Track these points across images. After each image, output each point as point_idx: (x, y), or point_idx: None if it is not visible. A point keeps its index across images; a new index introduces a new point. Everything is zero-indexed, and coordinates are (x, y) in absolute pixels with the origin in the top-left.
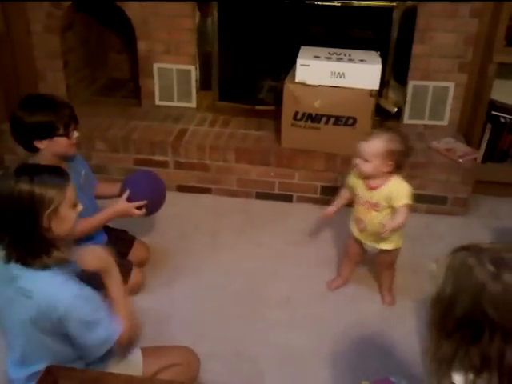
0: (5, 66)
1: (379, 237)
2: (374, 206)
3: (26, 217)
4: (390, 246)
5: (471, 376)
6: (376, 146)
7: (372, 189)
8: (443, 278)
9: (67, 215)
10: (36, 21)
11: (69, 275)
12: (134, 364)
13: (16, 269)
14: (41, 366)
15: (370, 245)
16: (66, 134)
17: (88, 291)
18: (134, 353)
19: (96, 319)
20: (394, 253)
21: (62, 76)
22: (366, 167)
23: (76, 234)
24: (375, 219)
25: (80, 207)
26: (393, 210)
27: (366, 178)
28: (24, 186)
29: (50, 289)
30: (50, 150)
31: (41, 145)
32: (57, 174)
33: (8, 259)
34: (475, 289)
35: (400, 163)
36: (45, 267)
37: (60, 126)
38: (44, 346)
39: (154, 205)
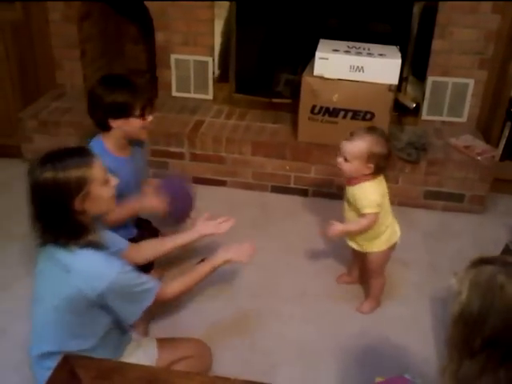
0: (23, 54)
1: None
2: (347, 202)
3: (55, 204)
4: (356, 246)
5: None
6: (358, 147)
7: (348, 184)
8: (468, 295)
9: (100, 193)
10: (54, 10)
11: (110, 254)
12: (149, 354)
13: (54, 247)
14: (52, 347)
15: (348, 243)
16: (142, 116)
17: (129, 267)
18: (150, 344)
19: (137, 292)
20: (373, 259)
21: (79, 65)
22: (346, 167)
23: (110, 219)
24: (347, 214)
25: (114, 181)
26: (358, 213)
27: (346, 176)
28: (48, 175)
29: (91, 265)
30: (122, 129)
31: (114, 124)
32: (79, 155)
33: (44, 244)
34: (508, 307)
35: (381, 166)
36: (81, 248)
37: (137, 107)
38: (66, 328)
39: (178, 217)
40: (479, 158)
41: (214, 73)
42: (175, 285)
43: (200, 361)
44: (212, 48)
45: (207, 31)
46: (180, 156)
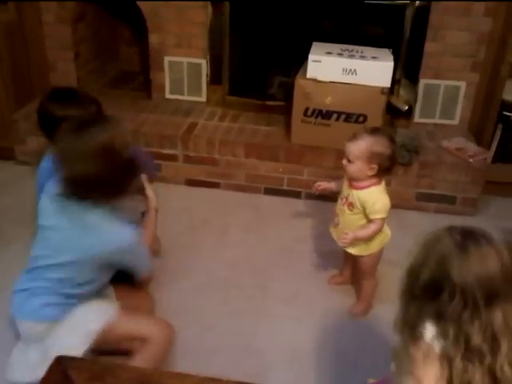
0: (16, 56)
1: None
2: (349, 205)
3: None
4: (353, 250)
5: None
6: (359, 147)
7: (352, 187)
8: (417, 251)
9: None
10: (48, 11)
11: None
12: (105, 311)
13: (86, 209)
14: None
15: (340, 244)
16: None
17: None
18: (111, 305)
19: (141, 250)
20: (365, 261)
21: (72, 67)
22: (350, 168)
23: None
24: (347, 217)
25: None
26: (367, 218)
27: (351, 178)
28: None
29: (111, 227)
30: None
31: None
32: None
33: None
34: (441, 254)
35: (386, 167)
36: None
37: None
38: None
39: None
40: (471, 160)
41: (207, 75)
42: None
43: (157, 346)
44: (206, 50)
45: (201, 33)
46: (173, 158)
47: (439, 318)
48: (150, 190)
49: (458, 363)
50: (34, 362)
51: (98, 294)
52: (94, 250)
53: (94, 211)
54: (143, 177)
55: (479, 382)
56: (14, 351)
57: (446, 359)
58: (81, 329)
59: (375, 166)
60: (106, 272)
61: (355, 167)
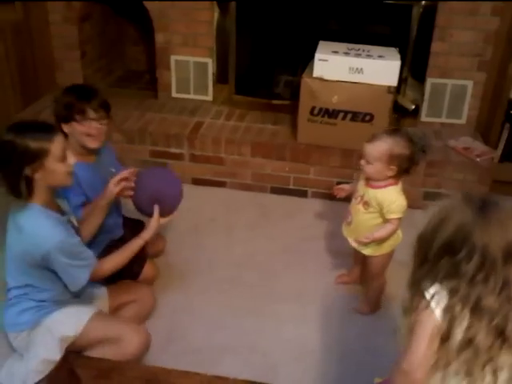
0: (23, 55)
1: (359, 237)
2: (365, 204)
3: (6, 165)
4: (366, 251)
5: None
6: (378, 149)
7: (369, 187)
8: (432, 217)
9: (54, 168)
10: (54, 11)
11: (60, 221)
12: (81, 317)
13: (17, 205)
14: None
15: (352, 243)
16: (80, 121)
17: (74, 238)
18: (87, 311)
19: (76, 264)
20: (376, 261)
21: (79, 66)
22: (369, 169)
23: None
24: (361, 216)
25: (71, 160)
26: (383, 218)
27: (369, 178)
28: (8, 138)
29: (38, 228)
30: (72, 136)
31: (64, 128)
32: (42, 130)
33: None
34: (461, 219)
35: (405, 168)
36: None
37: (75, 112)
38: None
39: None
40: (478, 159)
41: (213, 74)
42: (110, 262)
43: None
44: (212, 49)
45: (207, 32)
46: (180, 157)
47: (451, 276)
48: (154, 223)
49: (464, 320)
50: (22, 374)
51: (81, 296)
52: (22, 250)
53: (25, 211)
54: (156, 208)
55: (482, 339)
56: (5, 365)
57: (450, 314)
58: (55, 335)
59: (394, 168)
60: (57, 280)
61: (374, 168)
